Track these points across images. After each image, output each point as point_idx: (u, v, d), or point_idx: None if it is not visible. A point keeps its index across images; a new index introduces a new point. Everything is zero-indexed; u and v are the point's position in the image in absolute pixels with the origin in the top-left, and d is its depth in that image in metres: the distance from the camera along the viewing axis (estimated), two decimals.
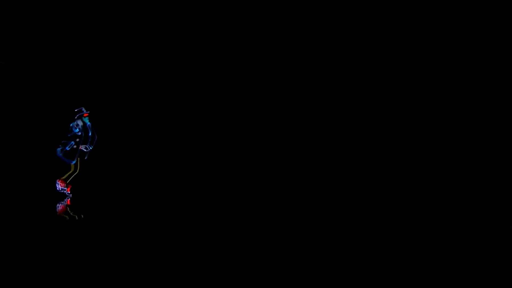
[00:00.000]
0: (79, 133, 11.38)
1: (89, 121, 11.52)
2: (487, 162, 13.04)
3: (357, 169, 13.69)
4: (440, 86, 13.84)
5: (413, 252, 6.06)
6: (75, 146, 11.33)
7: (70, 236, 7.23)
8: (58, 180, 11.37)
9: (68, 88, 13.85)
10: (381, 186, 12.22)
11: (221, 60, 14.35)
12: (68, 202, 10.77)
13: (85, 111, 11.50)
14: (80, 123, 11.44)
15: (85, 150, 11.39)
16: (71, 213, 9.69)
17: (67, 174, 11.40)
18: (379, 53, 14.03)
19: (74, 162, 11.38)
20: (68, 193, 11.33)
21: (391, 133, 13.89)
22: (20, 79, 13.69)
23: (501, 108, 13.52)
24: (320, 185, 12.97)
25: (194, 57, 14.34)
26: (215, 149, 14.02)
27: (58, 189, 11.34)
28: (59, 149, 11.41)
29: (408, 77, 13.97)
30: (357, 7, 13.96)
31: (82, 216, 9.44)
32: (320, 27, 14.17)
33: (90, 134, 11.50)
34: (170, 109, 14.29)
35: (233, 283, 4.99)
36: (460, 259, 5.70)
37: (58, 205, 10.60)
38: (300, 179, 13.47)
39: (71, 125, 11.45)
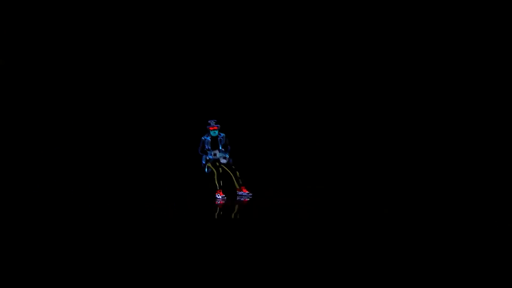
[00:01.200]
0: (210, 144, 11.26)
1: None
2: (487, 162, 13.04)
3: (357, 169, 13.69)
4: (440, 86, 13.86)
5: (413, 251, 6.07)
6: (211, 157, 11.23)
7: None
8: (217, 192, 11.25)
9: (68, 89, 13.86)
10: (381, 186, 12.22)
11: (222, 60, 14.35)
12: (221, 203, 10.79)
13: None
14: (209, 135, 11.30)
15: (225, 160, 11.22)
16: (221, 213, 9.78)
17: (216, 183, 11.23)
18: (380, 53, 14.04)
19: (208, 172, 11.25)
20: (222, 196, 11.17)
21: (390, 134, 13.90)
22: (20, 79, 13.70)
23: (501, 108, 13.53)
24: (320, 185, 12.97)
25: (193, 57, 14.35)
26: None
27: (218, 198, 11.19)
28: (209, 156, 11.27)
29: (407, 78, 13.98)
30: (357, 7, 13.97)
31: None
32: (321, 28, 14.18)
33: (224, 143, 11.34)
34: (169, 108, 14.30)
35: (233, 283, 5.00)
36: (460, 259, 5.70)
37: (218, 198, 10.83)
38: (300, 179, 13.47)
39: (221, 136, 11.29)
